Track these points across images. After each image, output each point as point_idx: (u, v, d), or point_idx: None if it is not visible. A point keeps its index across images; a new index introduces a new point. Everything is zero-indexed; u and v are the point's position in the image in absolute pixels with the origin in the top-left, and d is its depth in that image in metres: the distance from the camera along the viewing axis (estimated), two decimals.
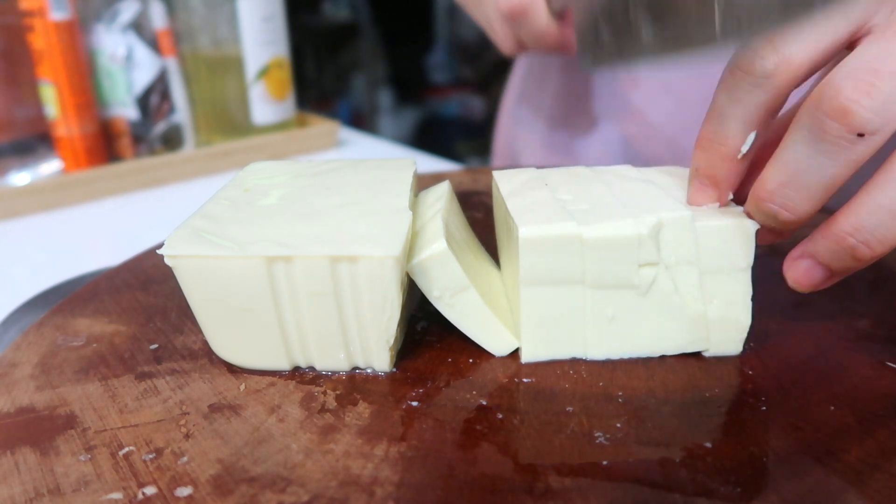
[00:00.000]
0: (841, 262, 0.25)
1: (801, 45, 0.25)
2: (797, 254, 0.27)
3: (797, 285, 0.27)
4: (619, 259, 0.27)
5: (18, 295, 0.42)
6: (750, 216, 0.27)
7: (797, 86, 0.26)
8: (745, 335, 0.28)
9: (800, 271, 0.27)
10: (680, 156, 0.51)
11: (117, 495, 0.22)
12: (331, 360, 0.28)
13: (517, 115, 0.66)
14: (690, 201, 0.29)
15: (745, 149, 0.27)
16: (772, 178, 0.26)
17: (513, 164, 0.66)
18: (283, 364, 0.28)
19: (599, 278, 0.27)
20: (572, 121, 0.59)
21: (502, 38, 0.47)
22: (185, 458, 0.23)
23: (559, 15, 0.43)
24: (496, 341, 0.29)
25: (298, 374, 0.28)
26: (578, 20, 0.37)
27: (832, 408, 0.25)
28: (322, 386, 0.27)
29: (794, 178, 0.25)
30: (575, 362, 0.28)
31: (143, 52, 0.66)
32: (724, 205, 0.28)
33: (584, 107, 0.58)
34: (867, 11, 0.26)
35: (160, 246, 0.29)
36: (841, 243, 0.25)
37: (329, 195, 0.30)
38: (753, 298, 0.28)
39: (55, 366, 0.29)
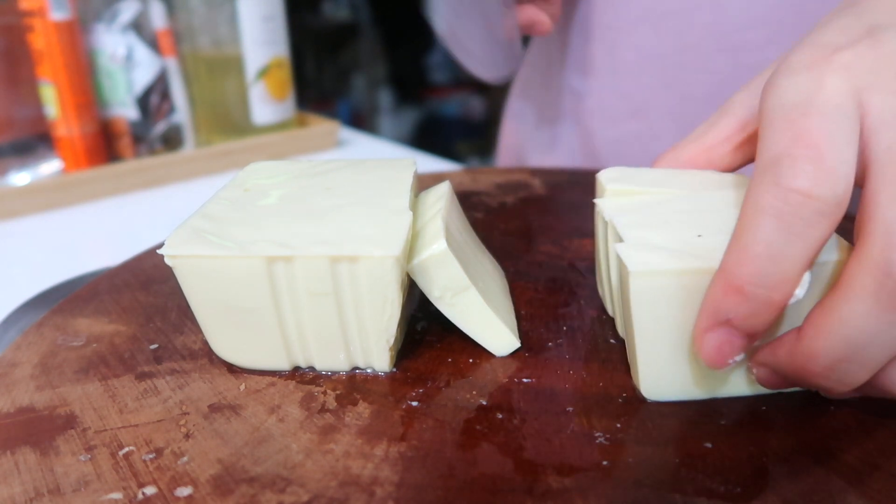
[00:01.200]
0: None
1: (847, 153, 0.21)
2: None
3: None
4: None
5: (18, 295, 0.42)
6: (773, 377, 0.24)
7: None
8: None
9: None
10: None
11: (117, 495, 0.22)
12: (331, 360, 0.28)
13: (521, 113, 0.66)
14: (706, 355, 0.23)
15: (800, 293, 0.22)
16: (827, 352, 0.21)
17: (518, 163, 0.66)
18: (283, 364, 0.28)
19: None
20: None
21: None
22: (185, 458, 0.23)
23: None
24: (497, 341, 0.29)
25: (298, 374, 0.28)
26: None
27: (832, 408, 0.25)
28: (322, 386, 0.27)
29: (856, 354, 0.21)
30: (575, 362, 0.28)
31: (143, 52, 0.66)
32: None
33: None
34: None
35: (160, 246, 0.29)
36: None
37: (329, 195, 0.30)
38: None
39: (55, 366, 0.29)
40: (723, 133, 0.29)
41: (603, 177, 0.31)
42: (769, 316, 0.22)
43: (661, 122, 0.52)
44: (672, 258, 0.24)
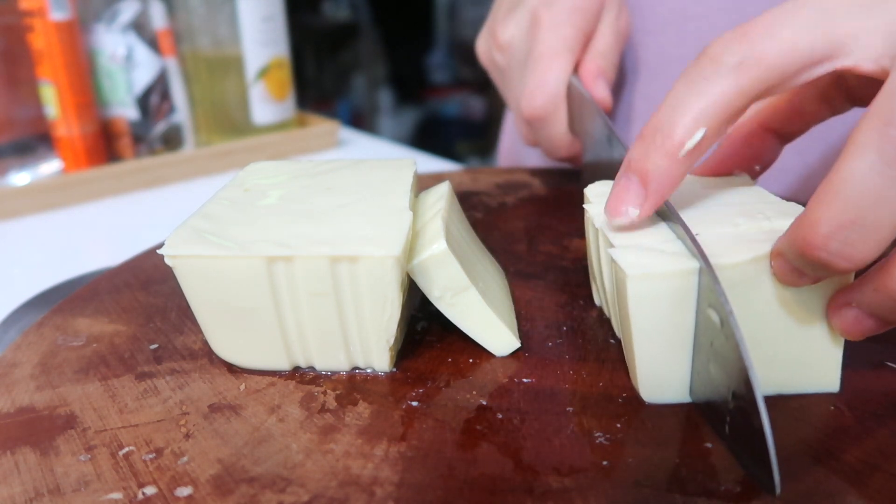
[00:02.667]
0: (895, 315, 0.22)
1: (777, 45, 0.23)
2: (841, 301, 0.23)
3: (847, 334, 0.24)
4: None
5: (18, 295, 0.42)
6: (780, 266, 0.23)
7: (765, 94, 0.24)
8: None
9: (848, 321, 0.23)
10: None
11: (117, 495, 0.22)
12: (331, 360, 0.28)
13: None
14: (608, 204, 0.26)
15: (689, 145, 0.24)
16: (827, 217, 0.20)
17: (517, 164, 0.66)
18: (283, 364, 0.28)
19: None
20: None
21: (520, 131, 0.49)
22: (185, 458, 0.23)
23: (575, 133, 0.44)
24: (497, 341, 0.29)
25: (298, 374, 0.28)
26: (586, 159, 0.38)
27: (832, 408, 0.25)
28: (322, 386, 0.27)
29: (858, 217, 0.20)
30: (575, 362, 0.28)
31: (143, 52, 0.66)
32: (643, 217, 0.25)
33: None
34: (866, 45, 0.23)
35: (160, 246, 0.29)
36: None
37: (329, 195, 0.30)
38: None
39: (55, 366, 0.29)
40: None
41: (590, 192, 0.31)
42: (662, 162, 0.24)
43: None
44: (667, 260, 0.24)
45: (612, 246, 0.26)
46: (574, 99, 0.43)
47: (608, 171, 0.35)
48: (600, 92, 0.43)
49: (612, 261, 0.25)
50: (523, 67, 0.45)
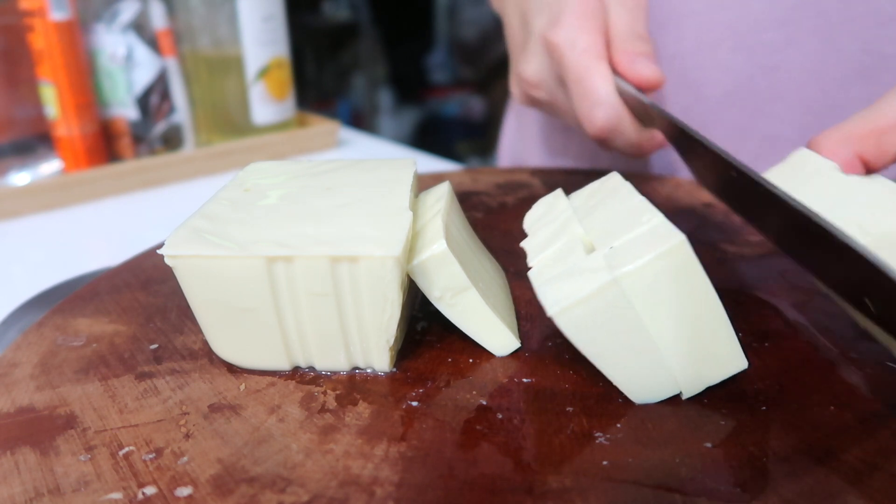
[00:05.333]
0: None
1: None
2: None
3: None
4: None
5: (18, 295, 0.42)
6: None
7: None
8: None
9: None
10: None
11: (117, 495, 0.22)
12: (331, 360, 0.28)
13: (523, 115, 0.66)
14: None
15: None
16: None
17: (518, 164, 0.66)
18: (283, 364, 0.28)
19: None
20: None
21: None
22: (185, 458, 0.23)
23: (648, 125, 0.42)
24: (497, 341, 0.29)
25: (298, 374, 0.28)
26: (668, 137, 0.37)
27: (832, 408, 0.25)
28: (322, 386, 0.27)
29: None
30: (575, 362, 0.28)
31: (143, 52, 0.66)
32: None
33: None
34: None
35: (160, 246, 0.29)
36: None
37: (329, 195, 0.30)
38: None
39: (55, 366, 0.29)
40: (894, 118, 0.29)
41: (528, 221, 0.32)
42: None
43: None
44: (584, 280, 0.24)
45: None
46: (630, 99, 0.40)
47: (697, 144, 0.32)
48: (643, 71, 0.40)
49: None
50: (566, 92, 0.43)
